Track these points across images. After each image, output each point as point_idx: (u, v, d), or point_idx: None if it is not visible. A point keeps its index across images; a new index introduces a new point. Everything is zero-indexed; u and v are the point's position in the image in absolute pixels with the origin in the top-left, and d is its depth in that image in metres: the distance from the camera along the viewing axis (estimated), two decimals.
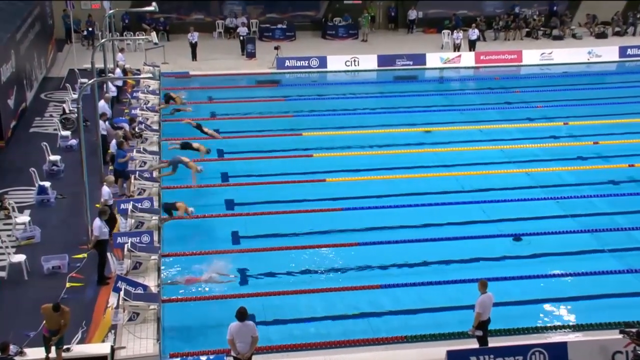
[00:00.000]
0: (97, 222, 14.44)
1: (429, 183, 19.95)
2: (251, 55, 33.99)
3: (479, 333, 12.14)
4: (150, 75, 26.02)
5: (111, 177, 17.23)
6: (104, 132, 20.11)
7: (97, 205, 16.00)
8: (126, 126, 21.49)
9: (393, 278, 15.04)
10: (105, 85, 24.67)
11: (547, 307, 14.11)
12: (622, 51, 34.51)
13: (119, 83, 26.07)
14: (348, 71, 32.91)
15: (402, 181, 20.13)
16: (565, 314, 13.91)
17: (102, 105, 21.82)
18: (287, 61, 32.85)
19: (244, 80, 31.26)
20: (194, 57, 33.11)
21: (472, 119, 25.51)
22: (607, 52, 34.44)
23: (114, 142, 19.08)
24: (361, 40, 37.13)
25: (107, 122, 20.82)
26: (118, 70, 25.82)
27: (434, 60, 33.55)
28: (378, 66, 33.10)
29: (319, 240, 16.66)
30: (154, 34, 34.16)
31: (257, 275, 15.44)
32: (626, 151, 22.02)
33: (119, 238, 15.44)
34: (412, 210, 18.32)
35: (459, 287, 14.41)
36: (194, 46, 33.00)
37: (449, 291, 14.51)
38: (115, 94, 25.16)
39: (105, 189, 16.50)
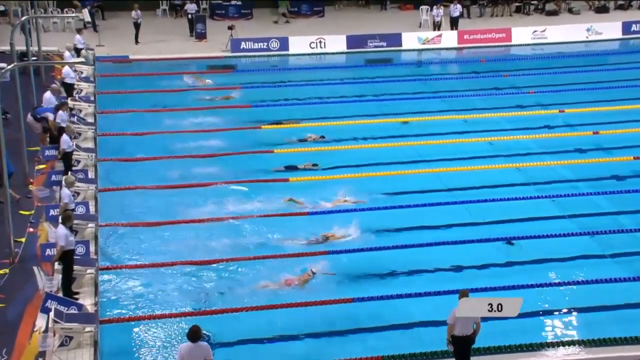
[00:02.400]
0: (62, 229, 14.34)
1: (406, 181, 20.06)
2: (201, 37, 33.85)
3: (451, 348, 12.32)
4: (83, 59, 25.74)
5: (72, 178, 17.15)
6: (63, 125, 19.99)
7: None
8: (50, 116, 21.09)
9: (366, 291, 15.08)
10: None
11: (543, 320, 14.28)
12: (626, 27, 35.11)
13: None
14: (313, 54, 32.98)
15: (375, 179, 20.22)
16: (564, 328, 14.10)
17: (48, 97, 21.66)
18: (242, 43, 32.78)
19: (193, 65, 31.10)
20: (137, 39, 32.84)
21: (455, 108, 25.73)
22: (609, 28, 35.04)
23: (65, 137, 18.95)
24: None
25: (65, 112, 20.75)
26: (67, 54, 25.55)
27: (411, 40, 33.78)
28: (347, 48, 33.24)
29: (267, 251, 16.66)
30: (85, 11, 33.76)
31: (215, 290, 15.37)
32: (630, 142, 22.42)
33: (47, 250, 15.25)
34: (386, 212, 18.40)
35: (441, 300, 14.48)
36: (137, 27, 32.73)
37: (428, 304, 14.58)
38: (74, 80, 24.86)
39: (66, 191, 16.51)
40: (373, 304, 14.69)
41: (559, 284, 15.37)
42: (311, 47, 33.12)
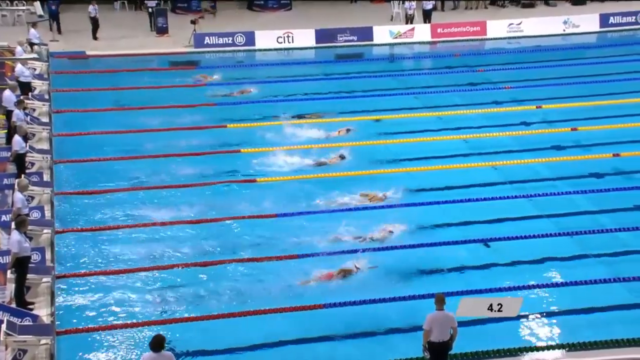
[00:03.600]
0: (16, 235, 14.18)
1: (378, 181, 20.06)
2: (162, 31, 33.66)
3: (427, 355, 12.34)
4: (36, 55, 25.45)
5: (24, 181, 16.96)
6: (20, 124, 19.79)
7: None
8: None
9: (334, 296, 15.05)
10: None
11: (523, 324, 14.38)
12: (604, 20, 35.59)
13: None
14: (280, 49, 32.97)
15: (346, 180, 20.20)
16: (544, 332, 14.19)
17: (8, 96, 21.44)
18: (206, 38, 32.67)
19: (154, 61, 30.93)
20: (95, 34, 32.53)
21: (428, 104, 25.85)
22: (586, 21, 35.51)
23: (17, 137, 18.75)
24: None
25: (21, 111, 20.55)
26: (19, 49, 25.22)
27: (382, 34, 33.90)
28: (316, 43, 33.29)
29: (253, 253, 16.62)
30: (37, 3, 33.39)
31: (181, 297, 15.26)
32: (610, 138, 22.66)
33: None
34: (358, 213, 18.40)
35: (416, 304, 14.52)
36: (95, 21, 32.41)
37: (403, 309, 14.61)
38: (29, 78, 24.52)
39: (19, 195, 16.30)
40: (342, 310, 14.67)
41: (539, 286, 15.46)
42: (278, 42, 33.10)
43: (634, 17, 35.87)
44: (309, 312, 14.57)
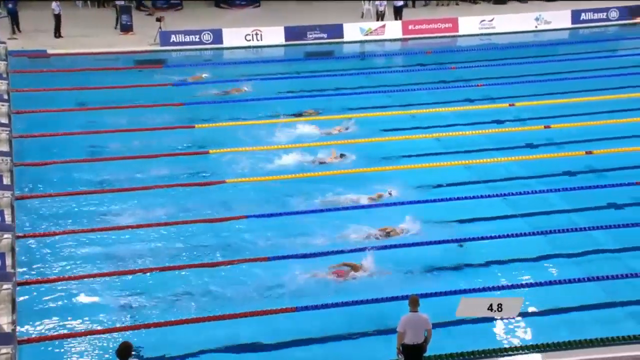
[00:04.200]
0: None
1: (349, 181, 20.06)
2: (127, 29, 33.42)
3: (401, 358, 12.38)
4: None
5: None
6: None
7: None
8: None
9: (300, 299, 15.04)
10: None
11: (497, 325, 14.45)
12: (575, 16, 36.01)
13: None
14: (249, 47, 32.89)
15: (316, 180, 20.17)
16: (519, 333, 14.26)
17: None
18: (172, 36, 32.50)
19: (119, 60, 30.68)
20: (58, 32, 32.19)
21: (400, 102, 25.94)
22: (558, 17, 35.92)
23: None
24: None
25: None
26: None
27: (353, 31, 33.98)
28: (285, 40, 33.27)
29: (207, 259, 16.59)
30: None
31: (149, 302, 15.13)
32: (583, 136, 22.87)
33: None
34: (328, 215, 18.38)
35: (388, 307, 14.55)
36: (58, 19, 32.07)
37: (374, 312, 14.62)
38: None
39: None
40: (313, 313, 14.66)
41: (512, 287, 15.54)
42: (247, 40, 33.03)
43: (604, 14, 36.32)
44: (282, 315, 14.51)
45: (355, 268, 15.89)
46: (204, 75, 28.57)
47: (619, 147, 21.82)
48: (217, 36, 32.82)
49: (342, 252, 16.60)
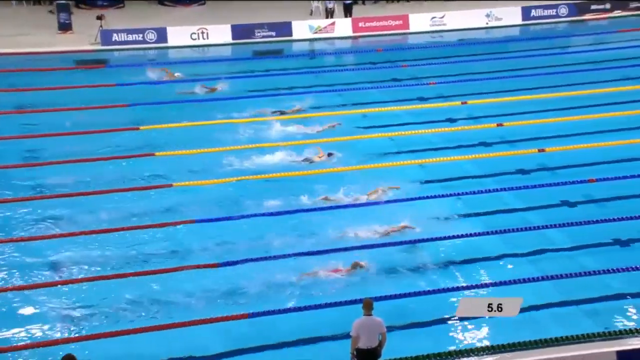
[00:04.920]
0: None
1: (298, 183, 20.11)
2: (65, 28, 32.94)
3: None
4: None
5: None
6: None
7: None
8: None
9: (259, 304, 15.03)
10: None
11: (451, 326, 14.58)
12: (526, 12, 36.61)
13: None
14: (195, 46, 32.71)
15: (267, 182, 20.15)
16: (476, 334, 14.39)
17: None
18: (114, 35, 32.16)
19: (57, 60, 30.22)
20: None
21: (351, 101, 26.04)
22: (509, 13, 36.48)
23: None
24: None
25: None
26: None
27: (301, 29, 34.04)
28: (233, 39, 33.21)
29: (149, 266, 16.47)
30: None
31: (95, 311, 14.95)
32: (535, 133, 23.23)
33: None
34: (280, 219, 18.37)
35: (340, 311, 14.58)
36: None
37: (327, 316, 14.64)
38: None
39: None
40: (266, 319, 14.65)
41: (468, 287, 15.67)
42: (192, 39, 32.87)
43: (554, 10, 36.99)
44: (234, 322, 14.46)
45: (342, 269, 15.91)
46: (176, 74, 28.37)
47: (571, 144, 22.22)
48: (162, 35, 32.59)
49: (302, 254, 16.61)
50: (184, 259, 16.70)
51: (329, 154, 21.57)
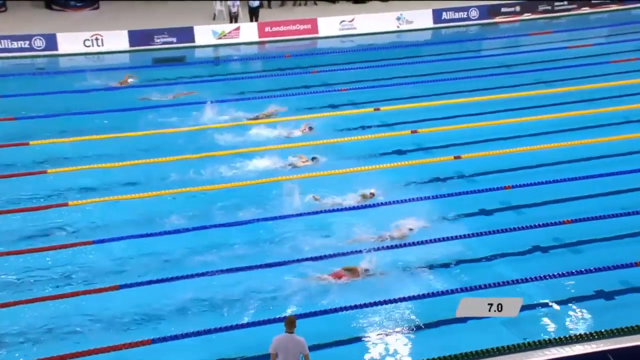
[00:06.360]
0: None
1: (213, 197, 20.04)
2: None
3: None
4: None
5: None
6: None
7: None
8: None
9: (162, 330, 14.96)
10: None
11: (379, 342, 14.81)
12: (437, 15, 37.41)
13: None
14: (89, 54, 32.25)
15: (146, 202, 19.87)
16: (397, 347, 14.67)
17: None
18: None
19: None
20: None
21: (259, 110, 26.06)
22: (420, 17, 37.20)
23: None
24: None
25: None
26: None
27: (204, 35, 33.99)
28: (130, 46, 32.90)
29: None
30: None
31: None
32: (450, 140, 23.74)
33: None
34: (197, 233, 18.32)
35: (265, 330, 14.63)
36: None
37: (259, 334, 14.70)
38: None
39: None
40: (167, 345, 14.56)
41: (387, 302, 15.83)
42: (86, 46, 32.41)
43: (465, 13, 37.96)
44: (136, 349, 14.35)
45: None
46: (129, 80, 28.01)
47: (486, 150, 22.80)
48: (51, 42, 32.00)
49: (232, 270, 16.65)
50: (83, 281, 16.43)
51: (313, 159, 22.11)
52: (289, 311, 15.31)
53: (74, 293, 16.04)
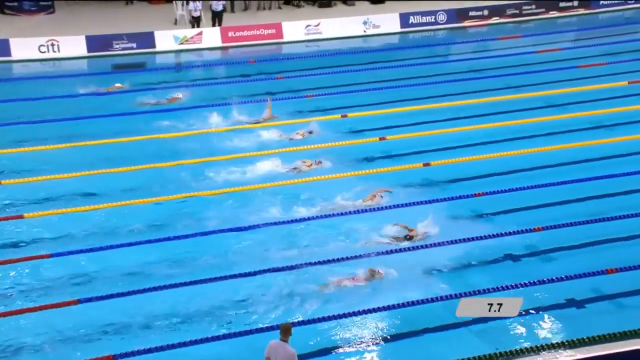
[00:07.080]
0: None
1: (173, 205, 20.02)
2: None
3: None
4: None
5: None
6: None
7: None
8: None
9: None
10: None
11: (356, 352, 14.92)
12: (404, 19, 37.70)
13: None
14: (44, 60, 32.05)
15: (124, 210, 19.89)
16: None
17: None
18: None
19: None
20: None
21: (223, 118, 26.05)
22: (387, 21, 37.49)
23: None
24: None
25: None
26: None
27: (165, 40, 33.96)
28: (88, 52, 32.83)
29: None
30: None
31: None
32: (418, 147, 23.95)
33: None
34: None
35: (254, 339, 14.67)
36: None
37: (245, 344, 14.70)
38: None
39: None
40: None
41: (354, 314, 15.84)
42: (41, 52, 32.23)
43: (433, 17, 38.28)
44: None
45: None
46: (117, 85, 28.09)
47: (456, 157, 23.00)
48: (4, 47, 31.76)
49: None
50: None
51: (318, 162, 22.39)
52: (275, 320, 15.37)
53: (31, 309, 15.90)
